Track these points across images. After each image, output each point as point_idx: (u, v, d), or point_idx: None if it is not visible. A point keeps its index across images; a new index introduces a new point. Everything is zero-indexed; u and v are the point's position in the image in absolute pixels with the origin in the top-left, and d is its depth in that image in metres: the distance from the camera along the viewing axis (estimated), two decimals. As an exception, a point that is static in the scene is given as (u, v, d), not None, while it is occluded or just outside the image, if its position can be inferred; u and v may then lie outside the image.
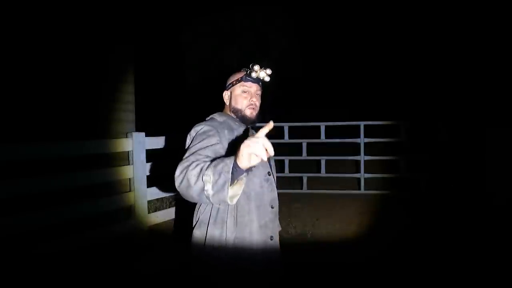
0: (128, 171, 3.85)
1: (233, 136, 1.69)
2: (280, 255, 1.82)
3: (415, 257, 3.48)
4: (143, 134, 3.96)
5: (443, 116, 8.59)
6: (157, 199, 4.86)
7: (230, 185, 1.27)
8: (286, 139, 6.49)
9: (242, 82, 1.77)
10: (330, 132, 6.64)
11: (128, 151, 3.89)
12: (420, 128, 7.61)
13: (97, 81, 4.04)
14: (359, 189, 6.40)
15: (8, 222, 2.93)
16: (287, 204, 5.45)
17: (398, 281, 3.09)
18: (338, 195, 6.20)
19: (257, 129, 1.80)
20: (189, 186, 1.34)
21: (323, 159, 6.59)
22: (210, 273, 1.66)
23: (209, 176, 1.29)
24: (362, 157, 6.41)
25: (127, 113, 4.34)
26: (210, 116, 1.80)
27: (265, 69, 1.77)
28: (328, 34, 15.49)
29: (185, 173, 1.36)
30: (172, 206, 4.72)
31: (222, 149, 1.58)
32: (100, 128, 4.04)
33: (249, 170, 1.30)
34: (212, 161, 1.36)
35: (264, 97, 1.89)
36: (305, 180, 6.52)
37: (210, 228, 1.65)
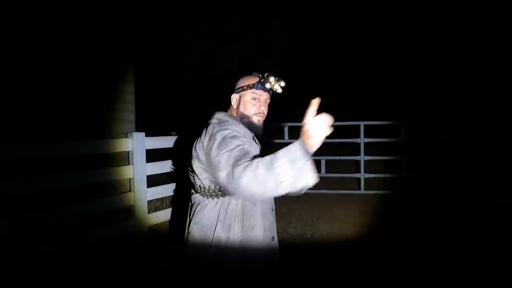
0: (128, 171, 3.84)
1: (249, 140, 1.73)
2: (279, 254, 1.85)
3: (415, 257, 3.48)
4: (143, 134, 3.96)
5: (443, 116, 8.58)
6: (157, 199, 4.86)
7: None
8: (286, 139, 6.49)
9: (254, 89, 1.75)
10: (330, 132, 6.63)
11: (128, 151, 3.89)
12: (420, 128, 7.61)
13: (97, 81, 4.04)
14: (359, 189, 6.40)
15: (8, 222, 2.93)
16: (287, 204, 5.45)
17: (398, 281, 3.09)
18: (338, 195, 6.21)
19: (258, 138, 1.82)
20: (262, 183, 1.31)
21: (323, 159, 6.60)
22: (214, 273, 1.68)
23: (282, 167, 1.29)
24: (362, 157, 6.41)
25: (127, 113, 4.33)
26: (219, 117, 1.76)
27: (279, 81, 1.76)
28: (328, 34, 15.49)
29: (253, 174, 1.33)
30: (172, 206, 4.72)
31: (252, 148, 1.61)
32: (100, 128, 4.03)
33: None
34: (255, 157, 1.42)
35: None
36: (305, 180, 6.50)
37: (217, 232, 1.66)
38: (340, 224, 4.61)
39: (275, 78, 1.75)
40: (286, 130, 6.50)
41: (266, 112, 1.80)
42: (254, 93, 1.76)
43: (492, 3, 11.25)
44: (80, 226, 3.48)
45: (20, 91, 3.66)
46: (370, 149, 6.54)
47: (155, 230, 4.19)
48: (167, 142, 4.65)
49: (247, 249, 1.68)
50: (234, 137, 1.55)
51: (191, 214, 1.77)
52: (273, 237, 1.81)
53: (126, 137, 3.92)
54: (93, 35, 3.94)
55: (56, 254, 3.13)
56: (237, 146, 1.49)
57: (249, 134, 1.76)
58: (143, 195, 3.95)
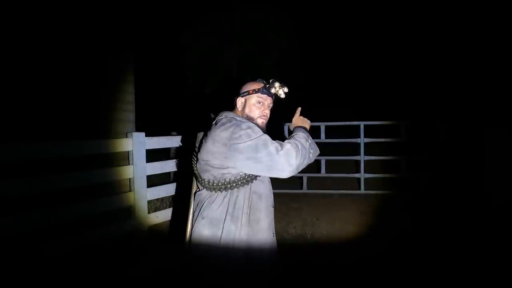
0: (128, 171, 3.84)
1: None
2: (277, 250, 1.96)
3: (415, 257, 3.48)
4: (143, 134, 3.96)
5: (443, 116, 8.59)
6: (157, 199, 4.86)
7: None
8: (291, 129, 6.48)
9: (259, 94, 1.89)
10: (330, 132, 6.64)
11: (128, 151, 3.89)
12: (420, 128, 7.61)
13: (97, 81, 4.04)
14: (359, 189, 6.40)
15: (8, 222, 2.93)
16: (287, 204, 5.45)
17: (398, 281, 3.09)
18: (338, 195, 6.21)
19: None
20: (304, 156, 1.70)
21: (323, 159, 6.60)
22: (221, 273, 1.74)
23: (308, 143, 1.77)
24: (362, 157, 6.41)
25: (127, 113, 4.33)
26: (229, 115, 1.83)
27: (283, 87, 1.92)
28: (328, 34, 15.49)
29: (289, 152, 1.66)
30: (172, 206, 4.72)
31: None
32: (100, 128, 4.03)
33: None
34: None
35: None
36: (305, 180, 6.52)
37: (226, 224, 1.75)
38: (340, 224, 4.61)
39: (280, 84, 1.90)
40: (286, 130, 6.50)
41: (269, 116, 1.95)
42: (259, 97, 1.89)
43: (492, 3, 11.25)
44: (81, 226, 3.48)
45: (20, 91, 3.66)
46: (370, 149, 6.54)
47: (155, 230, 4.19)
48: (167, 142, 4.65)
49: (254, 242, 1.78)
50: (254, 127, 1.74)
51: (198, 211, 1.83)
52: (273, 233, 1.92)
53: (126, 137, 3.92)
54: (93, 35, 3.94)
55: (56, 254, 3.13)
56: (263, 134, 1.72)
57: None
58: (143, 195, 3.95)
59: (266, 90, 1.88)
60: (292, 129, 1.93)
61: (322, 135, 6.56)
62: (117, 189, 3.95)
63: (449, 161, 6.23)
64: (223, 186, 1.74)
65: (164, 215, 4.38)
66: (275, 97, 1.94)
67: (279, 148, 1.66)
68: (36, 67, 3.68)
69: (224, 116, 1.83)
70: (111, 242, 3.61)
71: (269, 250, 1.84)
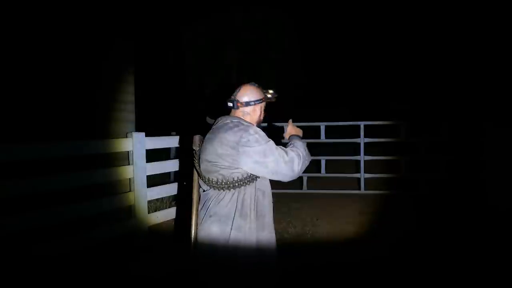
0: (128, 171, 3.85)
1: None
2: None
3: (415, 257, 3.48)
4: (143, 134, 3.96)
5: (444, 116, 8.59)
6: (157, 199, 4.86)
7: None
8: (286, 139, 6.48)
9: (263, 102, 2.05)
10: (330, 132, 6.64)
11: (128, 151, 3.89)
12: (421, 128, 7.61)
13: (97, 81, 4.04)
14: (359, 189, 6.40)
15: (8, 222, 2.93)
16: (287, 204, 5.45)
17: (398, 281, 3.09)
18: (338, 195, 6.20)
19: None
20: (304, 163, 1.86)
21: (323, 159, 6.60)
22: (233, 264, 1.82)
23: (306, 151, 1.91)
24: (362, 157, 6.41)
25: (127, 113, 4.33)
26: (236, 121, 1.91)
27: (275, 94, 2.10)
28: (329, 35, 15.49)
29: (293, 159, 1.81)
30: (172, 206, 4.72)
31: None
32: (100, 128, 4.03)
33: None
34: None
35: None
36: (305, 180, 6.52)
37: (236, 221, 1.83)
38: (340, 224, 4.61)
39: (274, 92, 2.08)
40: (286, 129, 6.50)
41: None
42: (263, 104, 2.05)
43: (492, 3, 11.25)
44: (81, 226, 3.48)
45: (21, 91, 3.65)
46: (370, 149, 6.54)
47: (155, 230, 4.19)
48: (167, 142, 4.66)
49: (263, 236, 1.89)
50: (260, 132, 1.86)
51: (205, 210, 1.88)
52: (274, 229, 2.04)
53: (126, 137, 3.92)
54: (93, 35, 3.94)
55: (57, 254, 3.13)
56: (269, 140, 1.84)
57: None
58: (143, 195, 3.95)
59: (266, 99, 2.04)
60: (288, 138, 2.06)
61: (322, 135, 6.55)
62: (117, 189, 3.95)
63: (449, 161, 6.23)
64: (231, 185, 1.82)
65: (164, 215, 4.38)
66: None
67: (285, 156, 1.80)
68: (38, 68, 3.68)
69: (230, 120, 1.90)
70: (111, 242, 3.61)
71: (274, 245, 1.96)
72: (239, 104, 1.94)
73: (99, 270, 3.20)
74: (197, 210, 1.95)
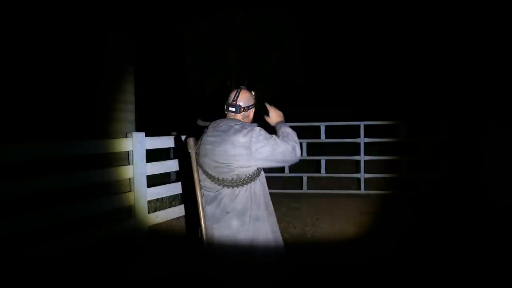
0: (128, 171, 3.84)
1: None
2: None
3: (416, 257, 3.47)
4: (143, 134, 3.96)
5: (443, 116, 8.59)
6: (157, 199, 4.86)
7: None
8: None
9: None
10: (330, 132, 6.64)
11: (128, 151, 3.89)
12: (420, 128, 7.61)
13: (97, 81, 4.04)
14: (359, 189, 6.40)
15: (8, 222, 2.93)
16: (287, 204, 5.45)
17: (398, 281, 3.09)
18: (338, 195, 6.20)
19: None
20: (298, 147, 2.05)
21: (323, 159, 6.60)
22: (254, 251, 2.00)
23: (297, 140, 2.07)
24: (362, 157, 6.41)
25: (127, 113, 4.33)
26: (241, 123, 2.05)
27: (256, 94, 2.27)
28: (328, 34, 15.48)
29: (295, 147, 2.01)
30: (172, 206, 4.72)
31: None
32: (100, 128, 4.03)
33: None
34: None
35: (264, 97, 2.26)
36: (305, 180, 6.52)
37: (253, 211, 2.00)
38: (340, 224, 4.61)
39: (255, 92, 2.25)
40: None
41: None
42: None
43: (492, 3, 11.25)
44: (81, 226, 3.49)
45: (21, 92, 3.66)
46: (370, 149, 6.54)
47: (155, 230, 4.19)
48: (167, 142, 4.65)
49: (273, 222, 2.13)
50: (263, 130, 2.03)
51: (220, 209, 2.00)
52: None
53: (126, 137, 3.92)
54: (93, 35, 3.94)
55: (57, 254, 3.13)
56: (272, 136, 2.02)
57: None
58: (143, 195, 3.95)
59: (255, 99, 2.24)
60: (275, 125, 2.22)
61: (322, 135, 6.56)
62: (117, 189, 3.95)
63: (449, 161, 6.23)
64: (244, 181, 1.99)
65: (164, 215, 4.38)
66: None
67: (288, 146, 1.98)
68: (38, 68, 3.68)
69: (234, 123, 2.03)
70: (111, 242, 3.61)
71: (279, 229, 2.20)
72: (241, 109, 2.10)
73: (99, 270, 3.20)
74: (203, 210, 1.98)
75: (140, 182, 3.90)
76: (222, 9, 13.34)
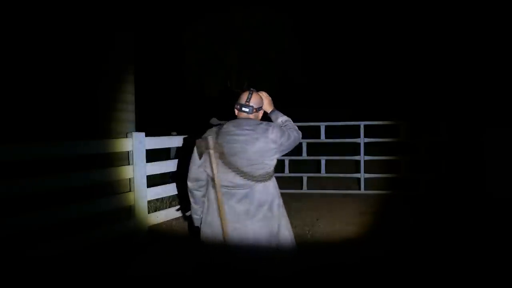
0: (128, 171, 3.84)
1: None
2: None
3: (416, 257, 3.47)
4: (143, 134, 3.95)
5: (443, 116, 8.58)
6: (157, 199, 4.86)
7: None
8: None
9: None
10: (330, 132, 6.64)
11: (128, 151, 3.89)
12: (420, 128, 7.61)
13: (97, 81, 4.04)
14: (359, 189, 6.40)
15: (8, 222, 2.93)
16: (287, 204, 5.40)
17: (398, 281, 3.09)
18: (338, 195, 6.20)
19: None
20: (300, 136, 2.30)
21: (323, 159, 6.60)
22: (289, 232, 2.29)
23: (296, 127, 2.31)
24: (362, 157, 6.41)
25: (127, 113, 4.33)
26: (263, 122, 2.22)
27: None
28: (328, 35, 15.48)
29: (299, 133, 2.28)
30: (172, 206, 4.72)
31: None
32: (100, 128, 4.03)
33: None
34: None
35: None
36: (305, 180, 6.52)
37: (279, 199, 2.23)
38: (340, 224, 4.61)
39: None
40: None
41: None
42: None
43: (492, 3, 11.25)
44: (81, 226, 3.49)
45: (20, 92, 3.66)
46: (370, 149, 6.54)
47: (155, 230, 4.19)
48: (167, 142, 4.65)
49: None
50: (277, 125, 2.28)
51: (253, 204, 2.09)
52: None
53: (126, 137, 3.92)
54: (93, 36, 3.94)
55: (57, 254, 3.13)
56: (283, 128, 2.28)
57: None
58: (143, 195, 3.95)
59: None
60: (268, 113, 2.37)
61: (322, 135, 6.56)
62: (117, 189, 3.95)
63: (449, 161, 6.23)
64: (272, 174, 2.18)
65: (164, 215, 4.38)
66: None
67: (296, 134, 2.23)
68: (38, 68, 3.68)
69: (257, 123, 2.18)
70: (111, 242, 3.61)
71: None
72: (254, 110, 2.22)
73: (99, 270, 3.20)
74: (223, 208, 2.07)
75: (140, 182, 3.90)
76: (222, 9, 13.34)
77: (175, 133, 5.88)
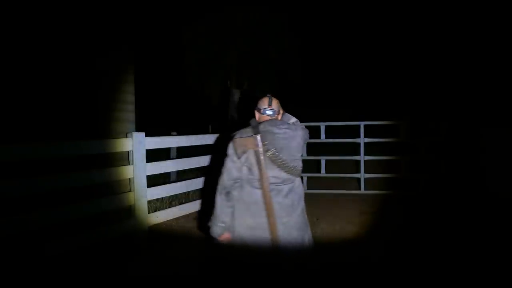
0: (128, 171, 3.84)
1: None
2: None
3: (416, 257, 3.47)
4: (143, 134, 3.95)
5: (443, 116, 8.58)
6: (157, 199, 4.86)
7: None
8: None
9: None
10: (330, 132, 6.64)
11: (128, 151, 3.89)
12: (420, 128, 7.61)
13: (97, 81, 4.04)
14: (359, 189, 6.40)
15: (8, 222, 2.93)
16: (287, 204, 5.43)
17: (398, 281, 3.09)
18: (338, 195, 6.20)
19: None
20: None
21: (323, 159, 6.60)
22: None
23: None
24: (362, 157, 6.41)
25: (127, 113, 4.33)
26: (288, 122, 2.39)
27: None
28: (328, 35, 15.48)
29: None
30: (172, 206, 4.72)
31: None
32: (100, 128, 4.03)
33: None
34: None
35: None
36: (305, 180, 6.51)
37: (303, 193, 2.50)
38: (340, 224, 4.61)
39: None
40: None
41: None
42: None
43: (492, 3, 11.25)
44: (81, 226, 3.48)
45: (20, 92, 3.66)
46: (370, 149, 6.54)
47: (155, 230, 4.19)
48: (167, 142, 4.65)
49: None
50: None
51: (295, 197, 2.33)
52: None
53: (126, 137, 3.92)
54: (93, 36, 3.94)
55: (57, 254, 3.13)
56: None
57: None
58: (143, 195, 3.95)
59: None
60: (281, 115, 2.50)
61: (322, 135, 6.56)
62: (117, 189, 3.95)
63: (449, 161, 6.23)
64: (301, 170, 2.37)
65: (164, 215, 4.38)
66: None
67: (307, 130, 2.43)
68: (37, 68, 3.68)
69: (289, 123, 2.36)
70: (111, 242, 3.61)
71: None
72: (277, 113, 2.39)
73: (99, 270, 3.20)
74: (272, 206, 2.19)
75: (140, 182, 3.90)
76: (222, 9, 13.33)
77: (175, 133, 5.89)
